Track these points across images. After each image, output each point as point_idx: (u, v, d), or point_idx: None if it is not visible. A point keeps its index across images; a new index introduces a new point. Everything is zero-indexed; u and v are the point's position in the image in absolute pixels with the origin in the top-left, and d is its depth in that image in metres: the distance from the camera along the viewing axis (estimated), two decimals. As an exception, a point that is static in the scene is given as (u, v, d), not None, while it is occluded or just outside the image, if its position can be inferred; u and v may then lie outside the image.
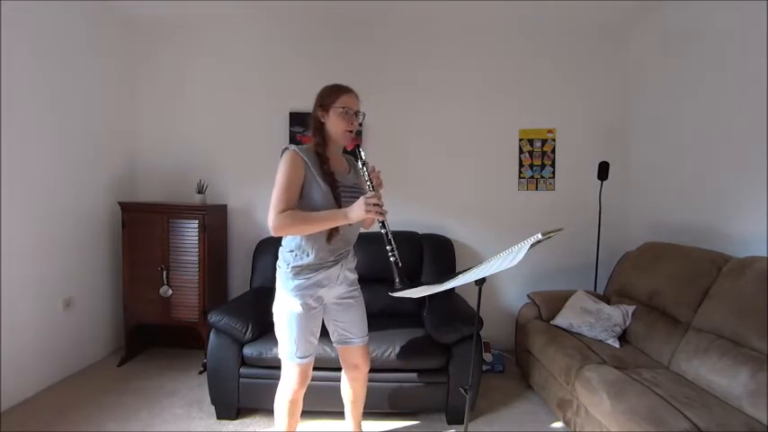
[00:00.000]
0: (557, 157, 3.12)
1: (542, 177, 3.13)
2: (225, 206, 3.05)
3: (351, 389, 1.79)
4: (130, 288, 2.73)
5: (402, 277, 1.40)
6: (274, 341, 2.10)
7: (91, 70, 2.72)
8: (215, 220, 2.84)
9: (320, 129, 1.52)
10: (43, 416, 2.13)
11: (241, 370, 2.10)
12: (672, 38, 2.68)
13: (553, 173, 3.13)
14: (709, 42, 2.39)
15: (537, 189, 3.13)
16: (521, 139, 3.12)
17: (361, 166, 1.44)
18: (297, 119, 3.06)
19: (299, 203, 1.44)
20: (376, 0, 2.76)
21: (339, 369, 1.81)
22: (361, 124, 1.57)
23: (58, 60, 2.47)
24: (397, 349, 2.07)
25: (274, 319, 1.56)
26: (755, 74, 2.08)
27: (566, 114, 3.11)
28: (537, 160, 3.12)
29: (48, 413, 2.16)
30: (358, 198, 1.38)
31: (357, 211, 1.35)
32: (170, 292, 2.69)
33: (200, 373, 2.62)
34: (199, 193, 2.86)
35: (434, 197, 3.13)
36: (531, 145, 3.12)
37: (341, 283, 1.59)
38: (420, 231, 2.93)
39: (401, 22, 3.04)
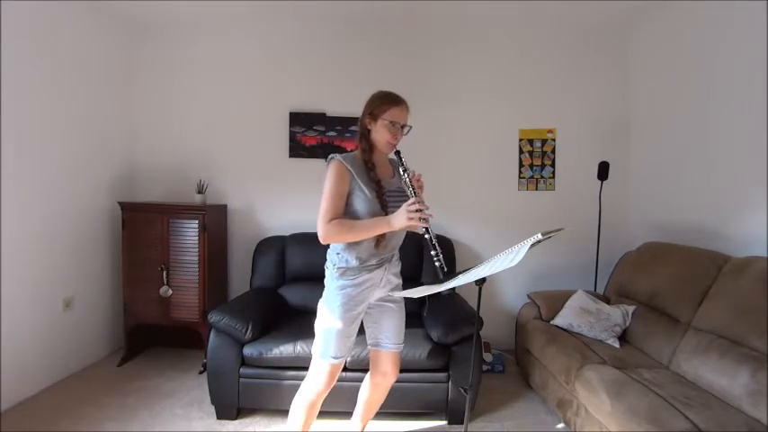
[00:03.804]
0: (557, 157, 3.12)
1: (542, 177, 3.13)
2: (225, 206, 3.05)
3: (370, 394, 1.78)
4: (130, 288, 2.73)
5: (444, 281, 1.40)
6: (274, 341, 2.13)
7: (91, 70, 2.72)
8: (215, 220, 2.84)
9: (366, 135, 1.56)
10: (43, 416, 2.13)
11: (241, 370, 2.10)
12: (672, 38, 2.68)
13: (553, 173, 3.13)
14: (708, 42, 2.39)
15: (537, 189, 3.13)
16: (521, 139, 3.12)
17: (402, 172, 1.47)
18: (297, 119, 3.06)
19: (345, 211, 1.49)
20: (375, 0, 2.76)
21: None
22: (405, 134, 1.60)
23: (58, 60, 2.46)
24: (397, 349, 2.07)
25: (318, 315, 1.58)
26: (755, 74, 2.08)
27: (566, 114, 3.10)
28: (537, 160, 3.12)
29: (48, 413, 2.16)
30: (404, 201, 1.41)
31: (400, 220, 1.38)
32: (170, 292, 2.69)
33: (200, 373, 2.62)
34: (199, 193, 2.86)
35: (434, 197, 3.05)
36: (531, 145, 3.12)
37: (384, 286, 1.60)
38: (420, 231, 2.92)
39: (400, 22, 3.03)
